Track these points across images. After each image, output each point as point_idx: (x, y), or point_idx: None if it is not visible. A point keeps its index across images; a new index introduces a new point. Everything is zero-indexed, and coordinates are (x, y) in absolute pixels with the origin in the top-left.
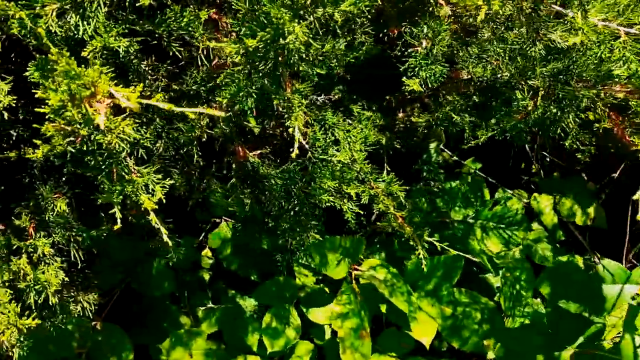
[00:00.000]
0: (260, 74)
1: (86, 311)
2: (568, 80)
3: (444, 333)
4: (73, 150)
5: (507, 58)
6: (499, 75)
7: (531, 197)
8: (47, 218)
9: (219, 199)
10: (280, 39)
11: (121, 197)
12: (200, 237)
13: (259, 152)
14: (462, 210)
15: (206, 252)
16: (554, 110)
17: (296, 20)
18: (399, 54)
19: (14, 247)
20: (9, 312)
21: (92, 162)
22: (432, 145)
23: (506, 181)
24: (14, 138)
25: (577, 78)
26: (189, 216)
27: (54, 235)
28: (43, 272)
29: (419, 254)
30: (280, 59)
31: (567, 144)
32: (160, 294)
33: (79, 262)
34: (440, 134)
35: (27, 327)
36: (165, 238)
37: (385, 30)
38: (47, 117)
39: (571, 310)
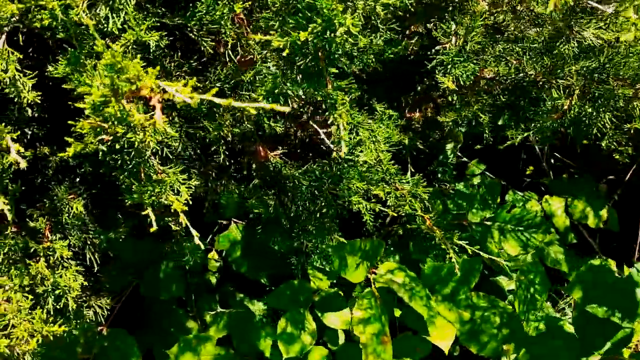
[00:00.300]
0: (298, 70)
1: (98, 316)
2: (604, 78)
3: (461, 338)
4: (104, 149)
5: (529, 56)
6: (523, 74)
7: (542, 199)
8: (63, 220)
9: (236, 199)
10: (328, 32)
11: (153, 197)
12: (207, 240)
13: (279, 152)
14: (480, 213)
15: (212, 254)
16: (589, 110)
17: (348, 12)
18: (415, 52)
19: (31, 250)
20: (34, 318)
21: (119, 162)
22: (449, 146)
23: (510, 183)
24: (28, 137)
25: (613, 77)
26: (194, 218)
27: (70, 238)
28: (60, 276)
29: (450, 257)
30: (320, 54)
31: (603, 145)
32: (168, 298)
33: (96, 265)
34: (458, 134)
35: (52, 334)
36: (197, 240)
37: (411, 28)
38: (86, 113)
39: (599, 315)
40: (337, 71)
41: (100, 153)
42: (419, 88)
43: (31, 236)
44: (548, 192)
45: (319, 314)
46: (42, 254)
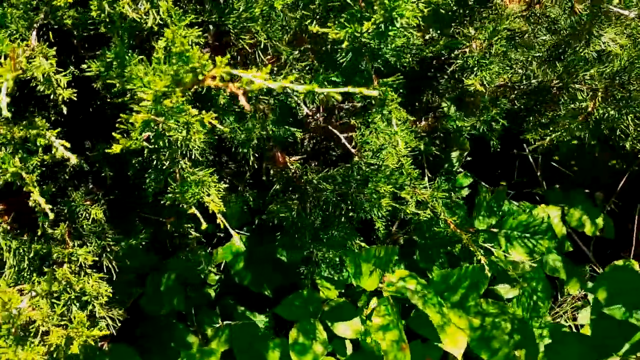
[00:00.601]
0: (341, 68)
1: (110, 328)
2: (625, 81)
3: (472, 344)
4: (150, 146)
5: (537, 64)
6: (537, 80)
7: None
8: (83, 226)
9: (252, 207)
10: (382, 25)
11: (197, 196)
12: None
13: (298, 158)
14: (486, 220)
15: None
16: (612, 112)
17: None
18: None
19: (53, 255)
20: (72, 322)
21: (155, 162)
22: (455, 154)
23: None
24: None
25: (635, 79)
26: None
27: (88, 245)
28: (84, 283)
29: (479, 259)
30: (363, 49)
31: (627, 146)
32: (168, 311)
33: (114, 273)
34: (465, 142)
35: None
36: (237, 240)
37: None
38: (142, 107)
39: (617, 316)
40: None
41: (146, 150)
42: (424, 98)
43: (50, 243)
44: (542, 202)
45: (329, 324)
46: (66, 260)
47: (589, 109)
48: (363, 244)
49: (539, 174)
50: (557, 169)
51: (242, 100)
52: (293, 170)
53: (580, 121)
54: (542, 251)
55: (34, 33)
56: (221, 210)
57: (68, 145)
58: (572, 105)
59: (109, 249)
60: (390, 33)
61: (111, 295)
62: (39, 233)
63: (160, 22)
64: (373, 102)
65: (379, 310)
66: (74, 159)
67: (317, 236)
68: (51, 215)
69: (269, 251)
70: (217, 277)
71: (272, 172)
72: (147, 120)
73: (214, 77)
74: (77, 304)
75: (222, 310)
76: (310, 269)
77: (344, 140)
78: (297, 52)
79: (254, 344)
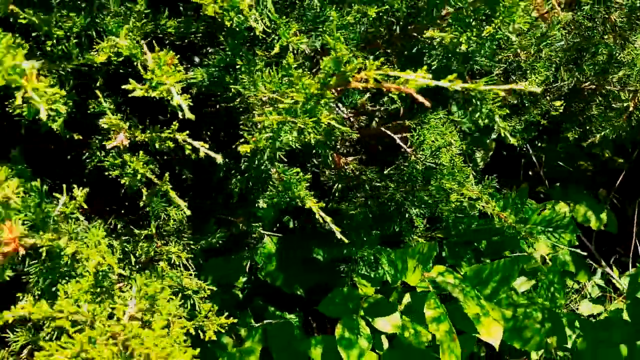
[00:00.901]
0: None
1: None
2: None
3: (505, 335)
4: (270, 146)
5: (553, 69)
6: (563, 82)
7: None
8: (169, 225)
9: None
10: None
11: (303, 195)
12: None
13: (351, 159)
14: (512, 217)
15: None
16: None
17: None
18: None
19: (151, 254)
20: (202, 314)
21: (256, 163)
22: (479, 154)
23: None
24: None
25: None
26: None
27: (170, 244)
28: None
29: (531, 250)
30: (456, 53)
31: None
32: None
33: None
34: (490, 142)
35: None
36: (339, 235)
37: None
38: (282, 108)
39: None
40: None
41: (268, 150)
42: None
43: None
44: (546, 199)
45: (370, 320)
46: (164, 258)
47: (630, 109)
48: (421, 240)
49: (542, 172)
50: (549, 169)
51: (420, 98)
52: (349, 171)
53: (625, 119)
54: (564, 244)
55: (145, 43)
56: (321, 206)
57: (207, 146)
58: (614, 105)
59: (188, 248)
60: (497, 37)
61: (216, 289)
62: (141, 233)
63: (267, 29)
64: (474, 100)
65: (430, 304)
66: (219, 159)
67: (358, 234)
68: (187, 212)
69: (302, 251)
70: (244, 279)
71: (327, 172)
72: (282, 122)
73: (361, 79)
74: (177, 299)
75: (252, 311)
76: (351, 267)
77: (398, 141)
78: (372, 57)
79: (292, 342)
